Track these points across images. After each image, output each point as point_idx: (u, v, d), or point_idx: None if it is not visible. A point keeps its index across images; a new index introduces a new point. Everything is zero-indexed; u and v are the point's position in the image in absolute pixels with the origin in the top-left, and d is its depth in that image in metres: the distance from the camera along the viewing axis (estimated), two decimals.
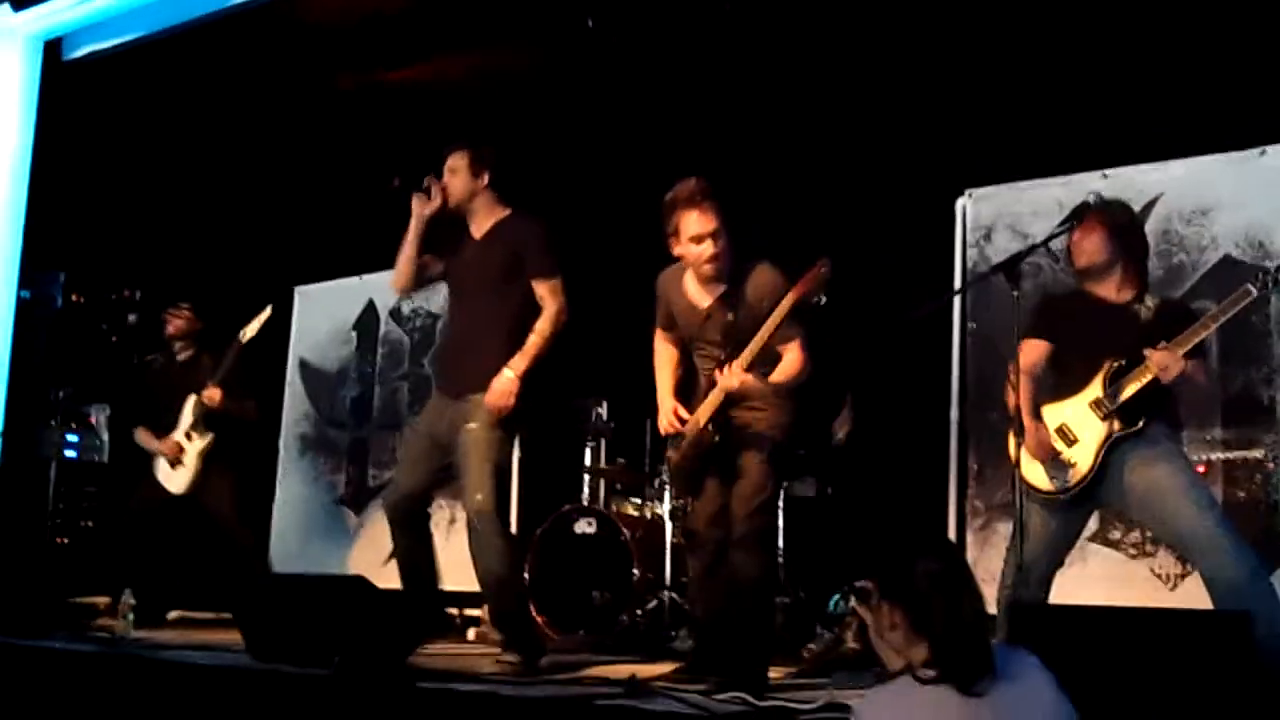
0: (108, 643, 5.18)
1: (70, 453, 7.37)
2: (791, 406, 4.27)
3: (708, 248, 4.15)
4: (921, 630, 2.27)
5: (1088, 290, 4.00)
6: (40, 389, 7.31)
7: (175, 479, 6.29)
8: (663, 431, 4.44)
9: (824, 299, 4.04)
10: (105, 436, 7.45)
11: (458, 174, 4.70)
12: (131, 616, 5.48)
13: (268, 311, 6.16)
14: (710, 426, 4.20)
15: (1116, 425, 3.79)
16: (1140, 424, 3.77)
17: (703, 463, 4.29)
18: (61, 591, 6.21)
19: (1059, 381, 3.98)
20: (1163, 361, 3.66)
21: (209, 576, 6.18)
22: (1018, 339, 3.95)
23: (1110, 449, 3.80)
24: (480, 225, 4.74)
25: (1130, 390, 3.77)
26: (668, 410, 4.37)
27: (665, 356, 4.54)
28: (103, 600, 6.14)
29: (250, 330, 6.16)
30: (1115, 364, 3.80)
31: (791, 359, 4.17)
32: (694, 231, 4.14)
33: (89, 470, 7.49)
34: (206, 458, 6.23)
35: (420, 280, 4.87)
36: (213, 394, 6.14)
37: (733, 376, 4.03)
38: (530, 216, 4.74)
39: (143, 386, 6.59)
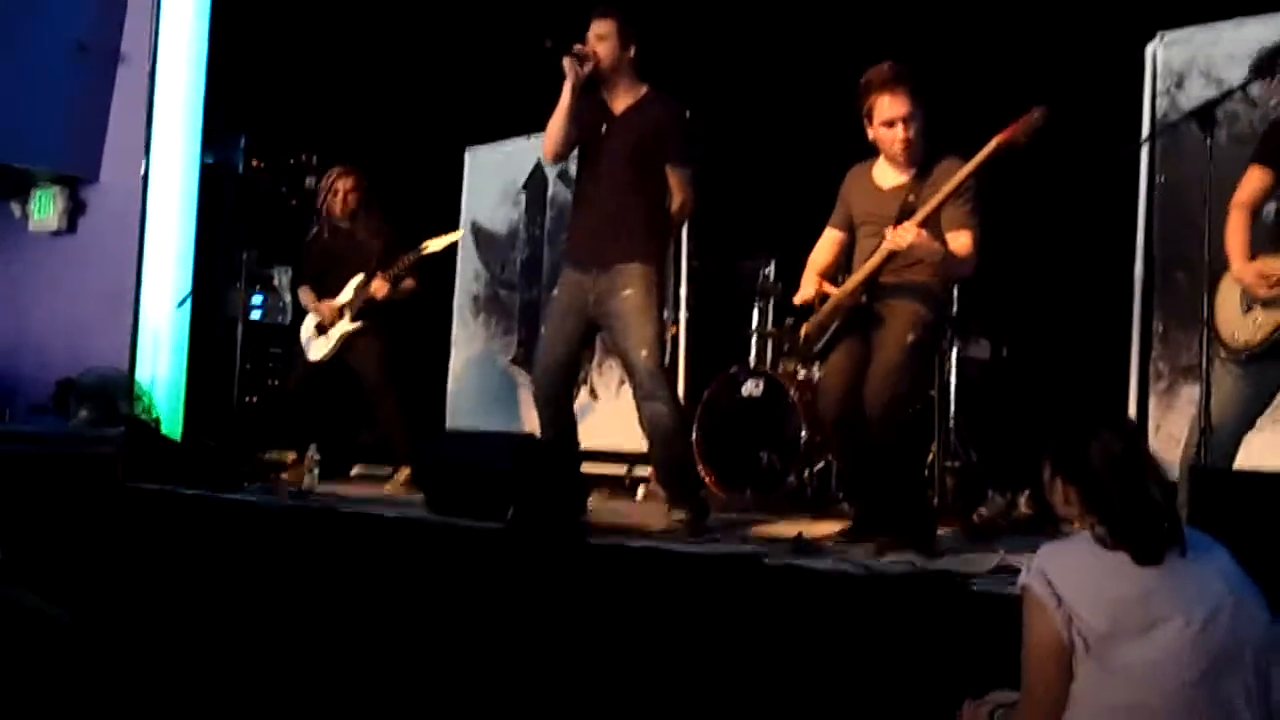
0: (295, 495, 5.43)
1: (256, 314, 7.63)
2: (947, 296, 4.22)
3: (899, 131, 4.08)
4: (1095, 510, 2.22)
5: None
6: (226, 252, 7.56)
7: (316, 346, 6.38)
8: (798, 300, 4.37)
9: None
10: (288, 298, 7.67)
11: (606, 40, 4.61)
12: (317, 471, 5.71)
13: (459, 234, 6.16)
14: (859, 289, 4.12)
15: None
16: None
17: (840, 328, 4.20)
18: (253, 447, 6.47)
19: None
20: None
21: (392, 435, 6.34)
22: (1252, 153, 3.71)
23: None
24: (621, 100, 4.67)
25: None
26: (811, 281, 4.30)
27: (825, 249, 4.44)
28: (290, 455, 6.39)
29: (434, 245, 6.16)
30: None
31: (963, 243, 4.03)
32: (886, 115, 4.08)
33: (273, 331, 7.75)
34: (350, 339, 6.29)
35: (572, 146, 4.83)
36: (381, 287, 6.18)
37: (906, 233, 3.89)
38: (669, 99, 4.68)
39: (309, 252, 6.66)
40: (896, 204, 4.12)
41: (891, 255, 4.00)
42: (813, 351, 4.37)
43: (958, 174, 3.91)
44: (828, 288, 4.25)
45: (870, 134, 4.19)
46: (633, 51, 4.65)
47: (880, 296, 4.12)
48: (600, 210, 4.70)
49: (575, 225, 4.87)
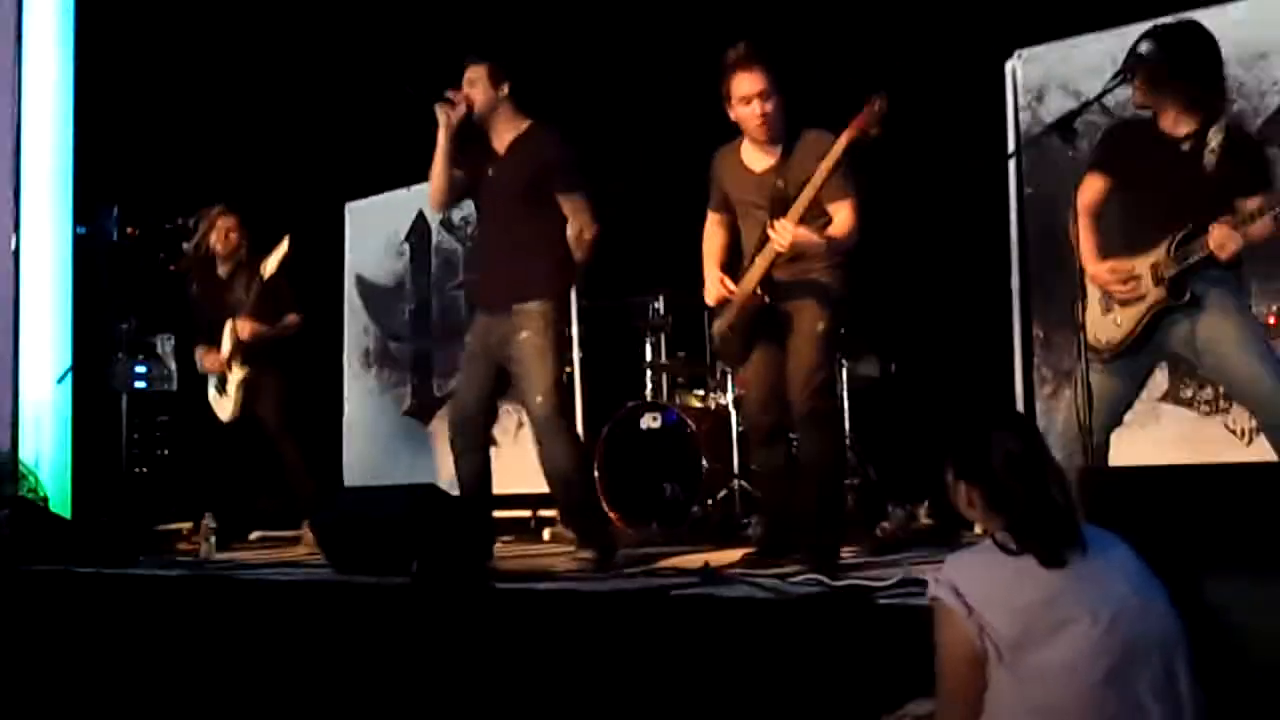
0: (193, 566, 5.31)
1: (140, 384, 7.45)
2: (843, 278, 4.22)
3: (756, 107, 4.15)
4: (998, 509, 2.26)
5: (1157, 118, 3.82)
6: (105, 323, 7.39)
7: (222, 407, 6.29)
8: (711, 302, 4.41)
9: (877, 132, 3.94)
10: (173, 365, 7.52)
11: (477, 85, 4.62)
12: (214, 539, 5.59)
13: (285, 244, 6.03)
14: (759, 289, 4.17)
15: (1165, 294, 3.69)
16: (1186, 297, 3.66)
17: (751, 330, 4.27)
18: (145, 520, 6.32)
19: (1128, 232, 3.85)
20: (1220, 240, 3.54)
21: (286, 496, 6.24)
22: (1089, 160, 3.88)
23: (1157, 315, 3.72)
24: (502, 139, 4.67)
25: (1189, 260, 3.64)
26: (714, 280, 4.34)
27: (713, 236, 4.50)
28: (185, 525, 6.26)
29: (270, 265, 6.02)
30: (1181, 232, 3.65)
31: (843, 218, 4.11)
32: (744, 92, 4.15)
33: (160, 399, 7.59)
34: (247, 388, 6.20)
35: (456, 195, 4.84)
36: (244, 326, 6.09)
37: (784, 233, 3.97)
38: (550, 128, 4.69)
39: (193, 307, 6.56)
40: (768, 188, 4.19)
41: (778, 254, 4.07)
42: (733, 354, 4.44)
43: (822, 164, 3.97)
44: (729, 286, 4.27)
45: (731, 114, 4.25)
46: (506, 89, 4.65)
47: (781, 295, 4.19)
48: (497, 251, 4.71)
49: (477, 269, 4.86)
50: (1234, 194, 3.65)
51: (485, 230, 4.82)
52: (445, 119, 4.62)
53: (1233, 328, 3.66)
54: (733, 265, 4.40)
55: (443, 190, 4.76)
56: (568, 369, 6.39)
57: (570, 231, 4.61)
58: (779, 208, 4.07)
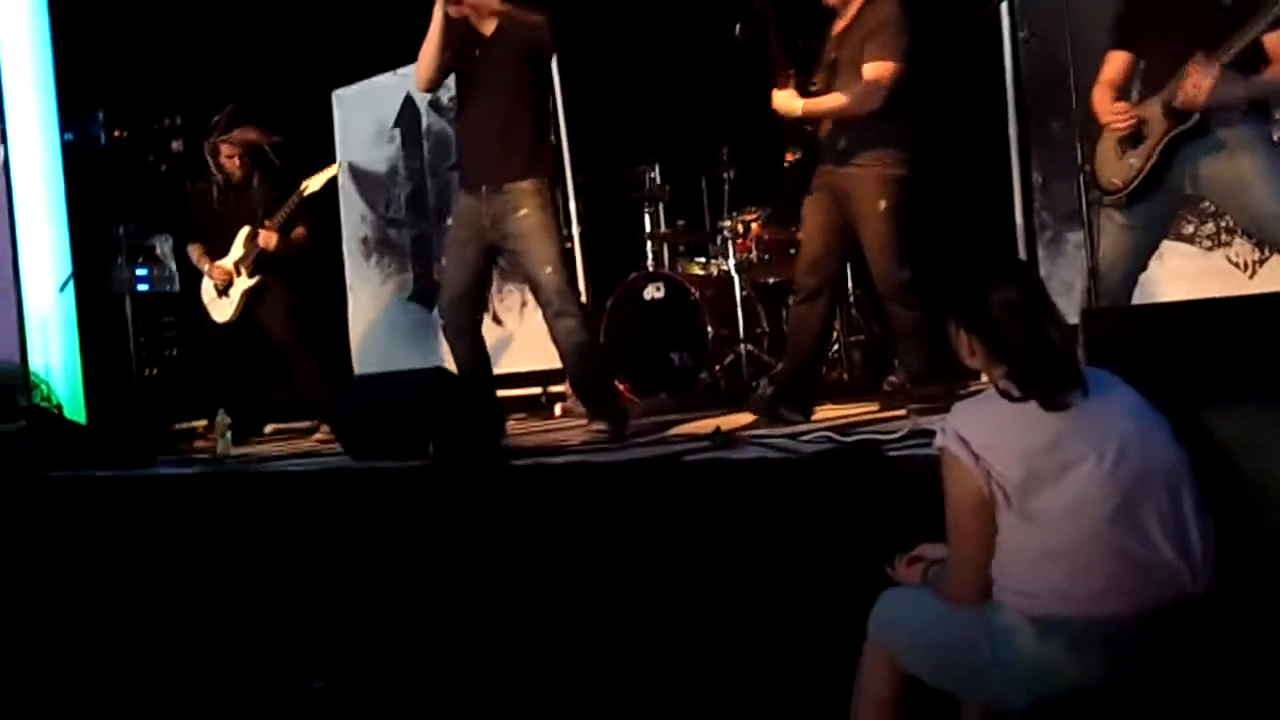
0: (210, 463, 5.37)
1: (142, 286, 7.46)
2: (900, 156, 4.35)
3: None
4: (1001, 357, 2.28)
5: None
6: (102, 228, 7.37)
7: (220, 308, 6.29)
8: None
9: None
10: (173, 266, 7.52)
11: None
12: (229, 435, 5.64)
13: (335, 168, 6.02)
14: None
15: (1175, 121, 3.62)
16: (1194, 120, 3.58)
17: (806, 191, 4.45)
18: (160, 420, 6.37)
19: (1144, 89, 3.79)
20: (1195, 81, 3.45)
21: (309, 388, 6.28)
22: (1108, 37, 3.82)
23: (1171, 146, 3.65)
24: (489, 22, 4.58)
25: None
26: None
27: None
28: (200, 423, 6.31)
29: (314, 184, 6.04)
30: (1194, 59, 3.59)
31: (871, 72, 4.23)
32: None
33: (163, 300, 7.59)
34: (252, 295, 6.21)
35: (445, 74, 4.76)
36: (269, 237, 6.08)
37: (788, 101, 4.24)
38: (536, 9, 4.60)
39: (194, 210, 6.54)
40: (828, 58, 4.38)
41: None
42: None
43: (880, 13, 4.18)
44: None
45: None
46: None
47: (835, 160, 4.37)
48: (484, 131, 4.65)
49: (463, 150, 4.83)
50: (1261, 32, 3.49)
51: (471, 111, 4.74)
52: (442, 6, 4.55)
53: (1251, 160, 3.58)
54: None
55: (433, 70, 4.68)
56: (568, 244, 6.38)
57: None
58: (830, 78, 4.31)
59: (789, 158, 4.58)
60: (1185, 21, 3.64)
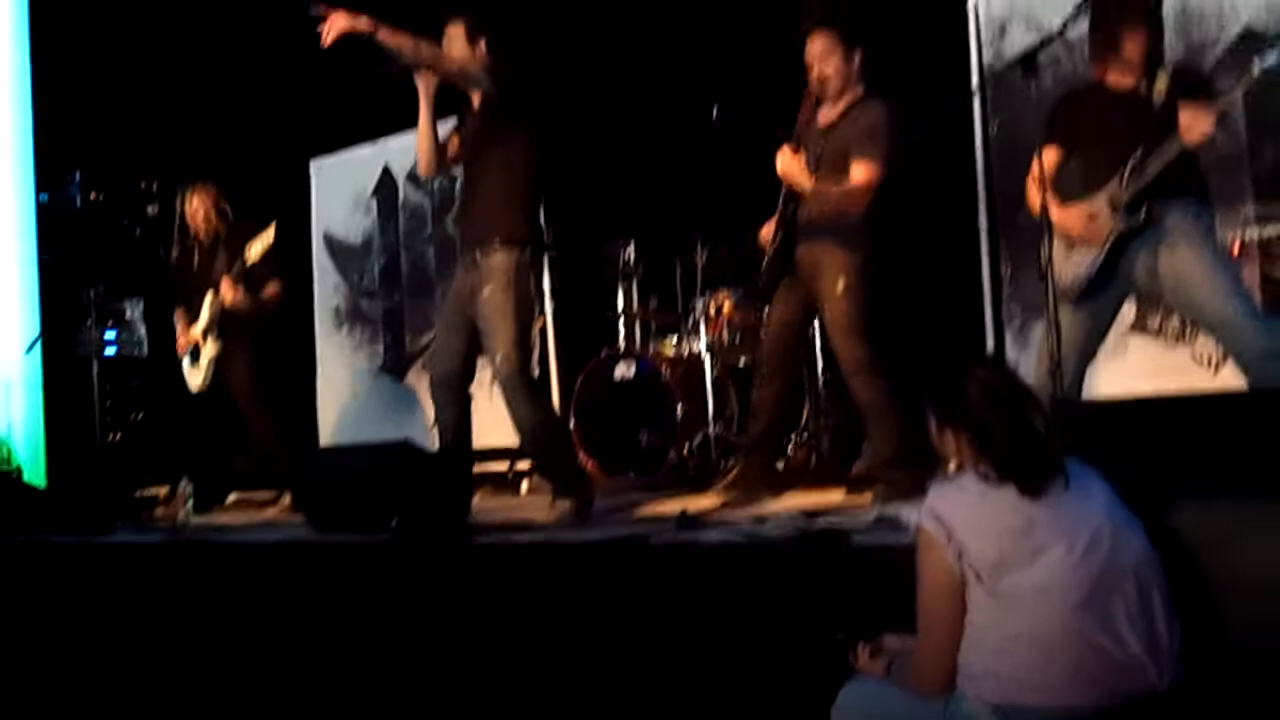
0: (170, 531, 5.30)
1: (110, 349, 7.42)
2: (864, 240, 4.43)
3: (816, 70, 4.43)
4: (984, 450, 2.29)
5: (1103, 79, 3.87)
6: (72, 290, 7.34)
7: (192, 377, 6.24)
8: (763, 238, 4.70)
9: None
10: (142, 330, 7.49)
11: (455, 43, 4.59)
12: (191, 504, 5.58)
13: (270, 231, 5.97)
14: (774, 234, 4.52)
15: (1123, 219, 3.71)
16: (1142, 216, 3.68)
17: (775, 276, 4.56)
18: (121, 486, 6.30)
19: (1085, 178, 3.88)
20: (1189, 120, 3.51)
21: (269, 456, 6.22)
22: (1041, 134, 3.89)
23: (1117, 245, 3.74)
24: (474, 92, 4.63)
25: (1146, 180, 3.66)
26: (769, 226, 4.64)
27: None
28: (162, 491, 6.24)
29: (255, 250, 5.94)
30: (1134, 160, 3.68)
31: (857, 175, 4.34)
32: (808, 56, 4.44)
33: (130, 365, 7.55)
34: (220, 360, 6.15)
35: (444, 159, 4.79)
36: (227, 293, 6.02)
37: (781, 159, 4.29)
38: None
39: (170, 276, 6.50)
40: (817, 149, 4.46)
41: (796, 196, 4.42)
42: (765, 290, 4.70)
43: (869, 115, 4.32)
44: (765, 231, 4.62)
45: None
46: (483, 47, 4.63)
47: (805, 239, 4.48)
48: (470, 200, 4.71)
49: (457, 217, 4.86)
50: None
51: (465, 182, 4.81)
52: (425, 86, 4.60)
53: (1196, 256, 3.67)
54: None
55: (431, 154, 4.72)
56: (540, 320, 6.38)
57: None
58: (821, 159, 4.39)
59: (764, 234, 4.63)
60: (1118, 119, 3.76)
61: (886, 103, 4.39)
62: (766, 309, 4.89)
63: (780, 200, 4.50)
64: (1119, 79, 3.82)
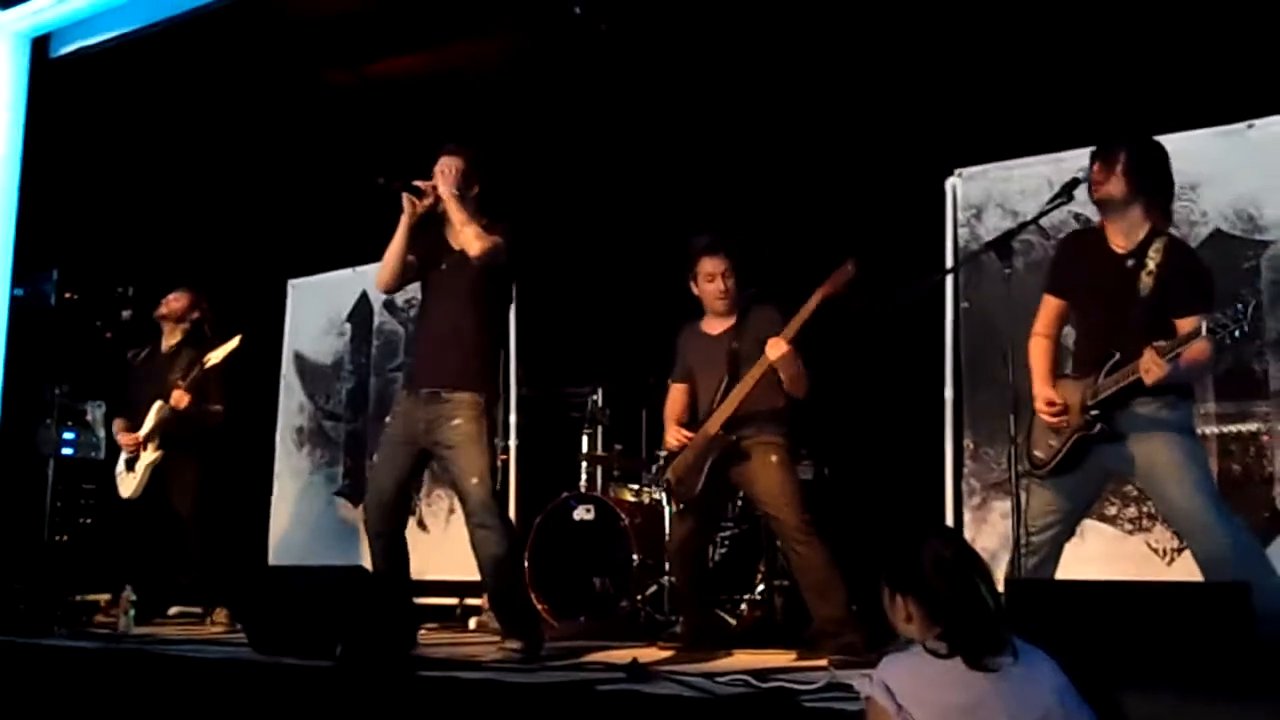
0: (109, 639, 5.20)
1: (67, 450, 7.35)
2: (787, 414, 4.82)
3: (719, 284, 4.89)
4: (936, 619, 2.31)
5: (1105, 229, 3.94)
6: (36, 387, 7.29)
7: (125, 483, 6.19)
8: (672, 446, 4.97)
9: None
10: (101, 434, 7.43)
11: (449, 176, 4.70)
12: (133, 612, 5.49)
13: (236, 341, 6.01)
14: (723, 431, 4.74)
15: (1084, 424, 3.80)
16: (1097, 429, 3.78)
17: (714, 464, 4.74)
18: (62, 589, 6.18)
19: (1081, 355, 3.99)
20: (1146, 364, 3.61)
21: (207, 573, 6.14)
22: (1044, 279, 4.06)
23: (1080, 442, 3.82)
24: (458, 232, 4.68)
25: (1108, 392, 3.76)
26: (674, 433, 4.94)
27: (676, 401, 5.08)
28: (104, 597, 6.13)
29: (215, 357, 5.98)
30: (1111, 360, 3.77)
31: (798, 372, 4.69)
32: (708, 271, 4.90)
33: (86, 467, 7.46)
34: (160, 470, 6.11)
35: (406, 278, 4.88)
36: (179, 398, 5.97)
37: (779, 346, 4.56)
38: (503, 227, 4.73)
39: (125, 377, 6.47)
40: (725, 350, 4.85)
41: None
42: (692, 486, 4.82)
43: (803, 309, 4.59)
44: (685, 435, 4.88)
45: (695, 290, 4.97)
46: (476, 190, 4.74)
47: (746, 451, 4.74)
48: (435, 338, 4.75)
49: (414, 352, 4.93)
50: (1171, 314, 3.72)
51: (428, 317, 4.85)
52: (410, 208, 4.71)
53: (1169, 449, 3.72)
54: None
55: (394, 274, 4.82)
56: (503, 457, 6.38)
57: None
58: (733, 364, 4.78)
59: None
60: (1112, 282, 3.85)
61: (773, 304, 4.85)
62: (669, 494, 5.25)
63: (720, 405, 4.78)
64: (1118, 239, 3.90)
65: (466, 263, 4.65)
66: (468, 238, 4.59)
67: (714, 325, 4.98)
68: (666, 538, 5.80)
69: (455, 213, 4.64)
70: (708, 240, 4.94)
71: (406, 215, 4.71)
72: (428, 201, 4.70)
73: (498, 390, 4.77)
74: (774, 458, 4.70)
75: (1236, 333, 3.48)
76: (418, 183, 4.70)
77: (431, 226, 4.78)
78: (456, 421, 4.57)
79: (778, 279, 5.13)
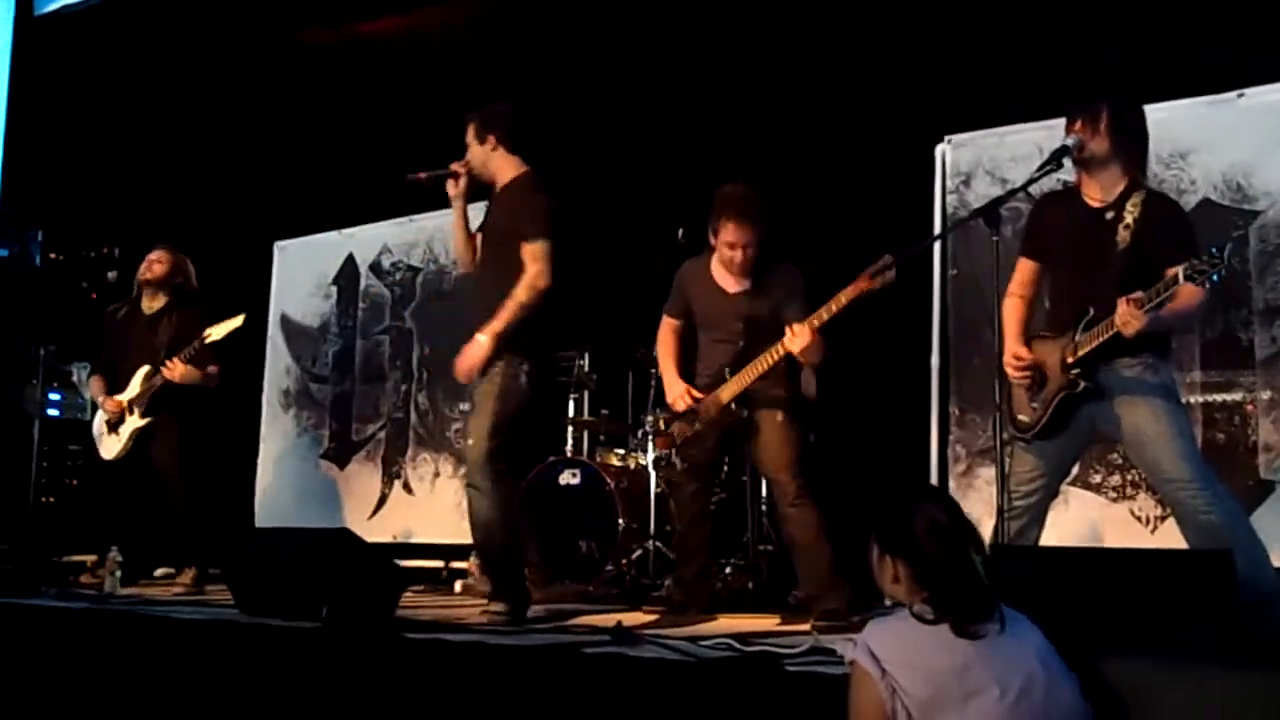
0: (96, 599, 5.20)
1: (53, 411, 7.33)
2: (797, 371, 4.69)
3: (739, 254, 4.56)
4: (924, 582, 2.31)
5: (1080, 187, 3.94)
6: (22, 348, 7.26)
7: (108, 444, 6.15)
8: (679, 409, 4.77)
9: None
10: (87, 394, 7.41)
11: (469, 144, 4.76)
12: (119, 573, 5.49)
13: (239, 320, 5.95)
14: (734, 404, 4.59)
15: (1067, 381, 3.80)
16: (1081, 387, 3.77)
17: (721, 438, 4.70)
18: (49, 550, 6.18)
19: (1055, 314, 3.98)
20: (1123, 317, 3.59)
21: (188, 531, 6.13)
22: (1020, 243, 4.04)
23: (1064, 402, 3.82)
24: (500, 184, 4.78)
25: (1087, 348, 3.75)
26: (678, 392, 4.75)
27: (669, 340, 4.91)
28: (90, 558, 6.13)
29: (216, 333, 5.88)
30: (1086, 317, 3.76)
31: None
32: (730, 239, 4.55)
33: (72, 428, 7.43)
34: (144, 433, 6.08)
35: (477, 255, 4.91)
36: (184, 373, 5.91)
37: (804, 334, 4.32)
38: (527, 174, 4.75)
39: (103, 334, 6.40)
40: (739, 311, 4.63)
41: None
42: (697, 456, 4.79)
43: (832, 302, 4.32)
44: (695, 396, 4.70)
45: (712, 242, 4.64)
46: (493, 142, 4.74)
47: (752, 406, 4.61)
48: (475, 295, 4.80)
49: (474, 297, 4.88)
50: (1152, 266, 3.68)
51: (479, 267, 4.90)
52: (454, 190, 4.78)
53: (1153, 414, 3.72)
54: (685, 368, 4.85)
55: (466, 255, 4.90)
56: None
57: (522, 281, 4.58)
58: (749, 328, 4.58)
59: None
60: (1088, 239, 3.85)
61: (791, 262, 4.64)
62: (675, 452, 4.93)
63: (733, 378, 4.63)
64: (1095, 194, 3.89)
65: (496, 216, 4.78)
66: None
67: (728, 281, 4.70)
68: (651, 502, 5.81)
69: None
70: (739, 205, 4.56)
71: (454, 200, 4.80)
72: (464, 181, 4.77)
73: (531, 345, 4.67)
74: (779, 416, 4.60)
75: (1215, 276, 3.43)
76: (452, 165, 4.77)
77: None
78: (480, 380, 4.63)
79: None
